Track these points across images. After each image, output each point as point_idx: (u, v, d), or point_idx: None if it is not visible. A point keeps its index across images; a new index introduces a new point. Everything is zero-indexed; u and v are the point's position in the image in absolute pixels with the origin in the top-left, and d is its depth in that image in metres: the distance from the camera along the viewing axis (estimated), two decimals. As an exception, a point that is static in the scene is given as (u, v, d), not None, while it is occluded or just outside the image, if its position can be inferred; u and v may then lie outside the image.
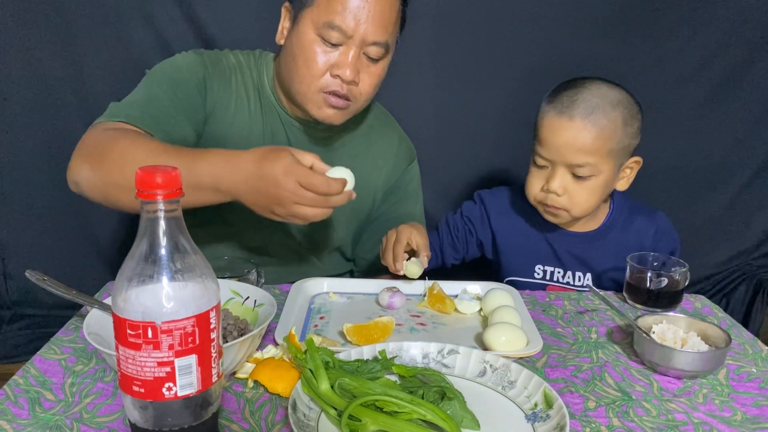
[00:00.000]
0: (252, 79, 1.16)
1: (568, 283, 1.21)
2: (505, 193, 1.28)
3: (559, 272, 1.22)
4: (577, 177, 1.08)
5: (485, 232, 1.27)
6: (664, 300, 1.02)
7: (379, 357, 0.77)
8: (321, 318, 0.97)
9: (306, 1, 1.02)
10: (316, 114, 1.08)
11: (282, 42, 1.10)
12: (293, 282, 1.07)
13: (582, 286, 1.20)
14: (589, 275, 1.20)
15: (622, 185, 1.15)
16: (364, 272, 1.33)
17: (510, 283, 1.23)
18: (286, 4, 1.08)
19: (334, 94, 1.05)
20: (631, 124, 1.08)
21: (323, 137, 1.18)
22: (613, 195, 1.22)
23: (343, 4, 0.99)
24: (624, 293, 1.06)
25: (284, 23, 1.09)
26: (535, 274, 1.23)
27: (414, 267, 1.03)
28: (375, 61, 1.06)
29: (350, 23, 1.00)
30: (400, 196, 1.28)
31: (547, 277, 1.22)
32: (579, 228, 1.20)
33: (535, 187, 1.13)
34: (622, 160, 1.11)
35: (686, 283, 1.02)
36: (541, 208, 1.15)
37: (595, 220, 1.21)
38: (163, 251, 0.56)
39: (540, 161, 1.11)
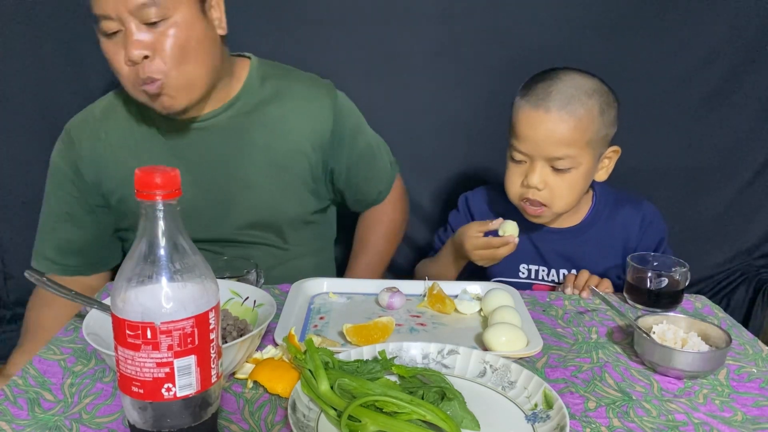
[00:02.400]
0: (127, 112, 1.16)
1: (552, 281, 1.20)
2: (486, 193, 1.27)
3: (543, 270, 1.21)
4: (556, 170, 1.07)
5: None
6: (665, 300, 1.02)
7: (379, 357, 0.77)
8: (321, 318, 0.97)
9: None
10: (159, 109, 1.05)
11: None
12: (277, 273, 1.07)
13: None
14: (573, 272, 1.18)
15: (602, 176, 1.14)
16: (358, 205, 1.34)
17: (496, 283, 1.23)
18: None
19: (144, 82, 1.00)
20: (608, 113, 1.07)
21: (230, 119, 1.14)
22: (594, 187, 1.21)
23: None
24: (624, 293, 1.06)
25: None
26: (520, 274, 1.22)
27: (509, 225, 1.01)
28: (153, 24, 0.97)
29: (106, 3, 0.95)
30: (346, 142, 1.22)
31: (532, 276, 1.21)
32: (561, 224, 1.19)
33: (514, 184, 1.11)
34: (600, 150, 1.10)
35: (686, 283, 1.02)
36: (522, 207, 1.13)
37: (577, 215, 1.19)
38: (162, 251, 0.56)
39: (518, 156, 1.09)
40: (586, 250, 1.18)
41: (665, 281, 1.00)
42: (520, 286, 1.19)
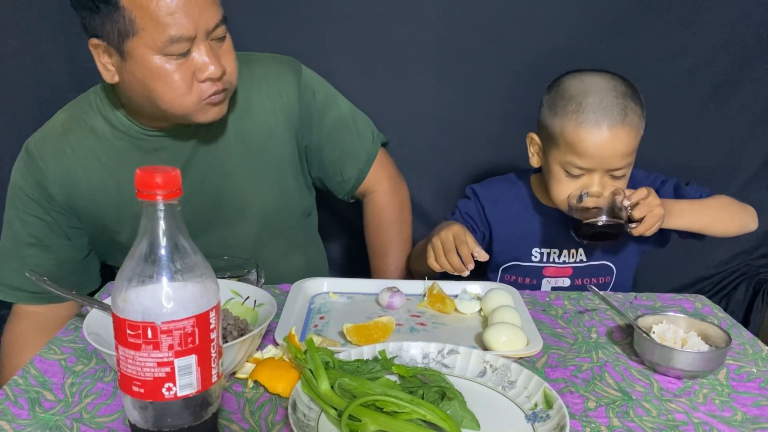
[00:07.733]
0: (90, 124, 1.10)
1: (564, 262, 1.23)
2: (494, 184, 1.29)
3: (555, 253, 1.23)
4: (614, 177, 1.09)
5: (484, 225, 1.28)
6: (603, 230, 1.04)
7: (379, 357, 0.77)
8: (321, 318, 0.97)
9: (126, 32, 0.93)
10: (204, 120, 1.03)
11: (115, 80, 1.00)
12: (271, 265, 1.06)
13: (576, 261, 1.22)
14: (581, 250, 1.22)
15: None
16: (346, 195, 1.31)
17: (508, 268, 1.24)
18: (93, 41, 0.97)
19: (213, 94, 1.00)
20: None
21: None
22: None
23: (171, 14, 0.92)
24: (572, 232, 1.08)
25: (102, 60, 0.99)
26: (533, 258, 1.24)
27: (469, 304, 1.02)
28: (222, 39, 1.01)
29: (187, 24, 0.93)
30: (315, 116, 1.21)
31: (544, 260, 1.23)
32: None
33: (567, 194, 1.11)
34: None
35: (626, 218, 1.03)
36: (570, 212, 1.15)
37: None
38: (162, 251, 0.56)
39: (576, 171, 1.09)
40: None
41: (585, 195, 1.04)
42: (532, 270, 1.23)
